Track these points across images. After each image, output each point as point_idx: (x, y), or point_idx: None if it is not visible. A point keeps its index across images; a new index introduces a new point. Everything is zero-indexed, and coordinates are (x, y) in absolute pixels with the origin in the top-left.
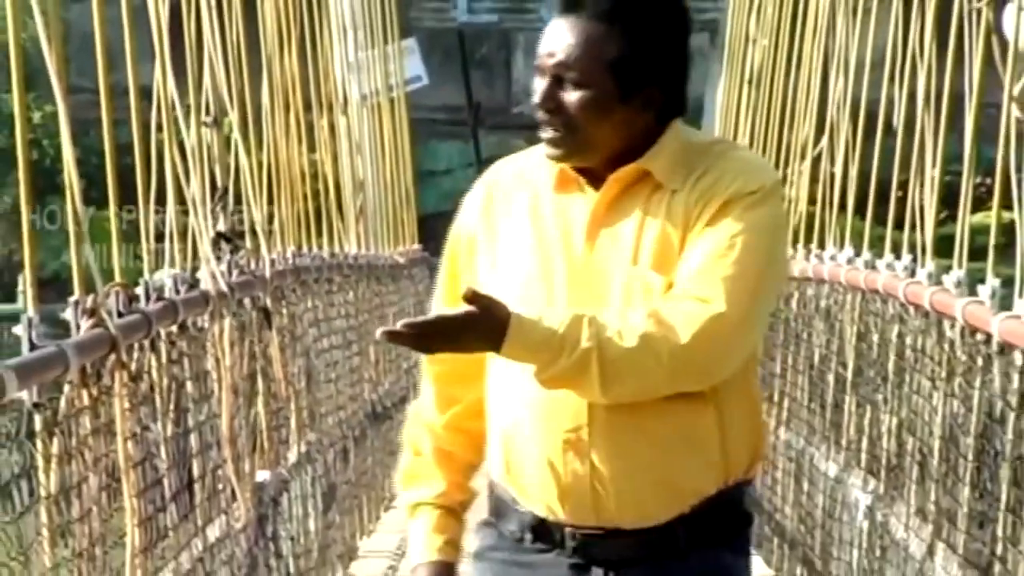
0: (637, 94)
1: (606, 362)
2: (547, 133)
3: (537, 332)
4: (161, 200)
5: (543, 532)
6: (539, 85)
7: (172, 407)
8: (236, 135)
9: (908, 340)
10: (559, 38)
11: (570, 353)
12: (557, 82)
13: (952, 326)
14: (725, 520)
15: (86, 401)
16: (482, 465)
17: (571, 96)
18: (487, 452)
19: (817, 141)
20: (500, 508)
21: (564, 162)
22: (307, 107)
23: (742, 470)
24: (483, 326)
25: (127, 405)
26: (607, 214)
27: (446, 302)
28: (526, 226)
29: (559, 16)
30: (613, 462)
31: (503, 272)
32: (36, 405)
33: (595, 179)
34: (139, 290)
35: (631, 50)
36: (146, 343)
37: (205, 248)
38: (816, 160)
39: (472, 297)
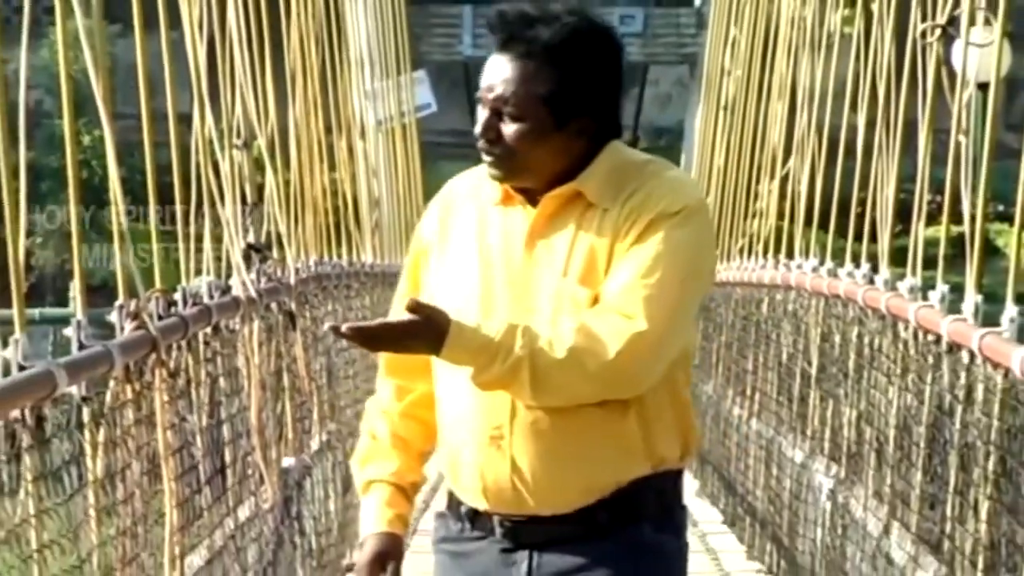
0: (570, 123)
1: (536, 370)
2: (488, 158)
3: (475, 339)
4: (198, 215)
5: (477, 521)
6: (481, 116)
7: (207, 400)
8: (264, 156)
9: (866, 340)
10: (497, 73)
11: (504, 359)
12: (496, 114)
13: (906, 328)
14: (649, 502)
15: (129, 395)
16: (433, 452)
17: (509, 128)
18: (440, 447)
19: (785, 162)
20: (449, 500)
21: (504, 183)
22: (328, 131)
23: (672, 460)
24: (424, 333)
25: (166, 399)
26: (543, 229)
27: (400, 302)
28: (472, 237)
29: (497, 53)
30: (532, 459)
31: (450, 279)
32: (84, 399)
33: (533, 198)
34: (177, 296)
35: (563, 85)
36: (183, 343)
37: (236, 258)
38: (784, 179)
39: (415, 307)
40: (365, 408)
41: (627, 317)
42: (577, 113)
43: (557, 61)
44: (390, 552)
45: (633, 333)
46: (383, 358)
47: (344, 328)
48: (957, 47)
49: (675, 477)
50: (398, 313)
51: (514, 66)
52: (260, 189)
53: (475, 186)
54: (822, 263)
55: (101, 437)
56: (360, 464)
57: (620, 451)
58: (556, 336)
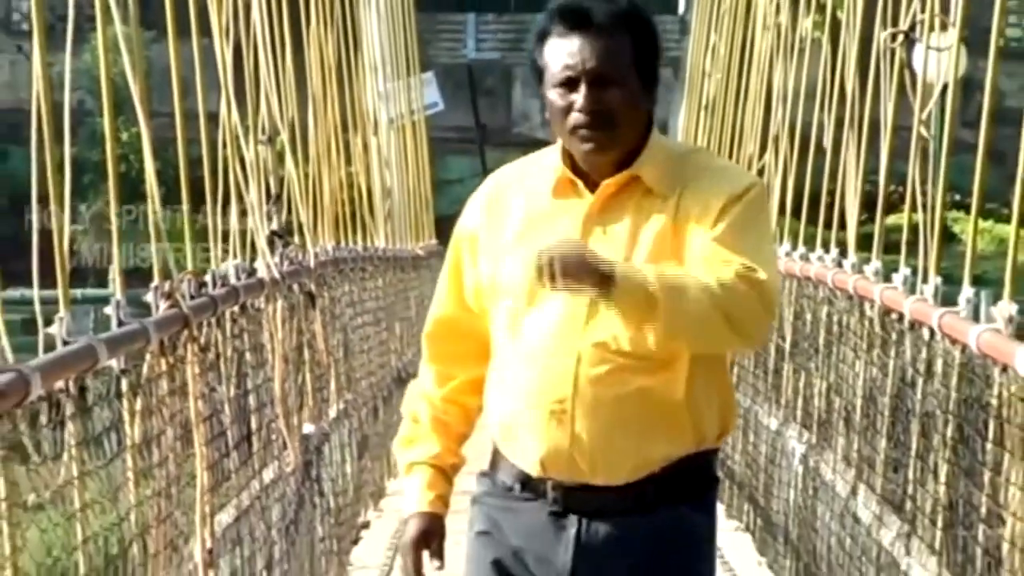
0: (650, 92)
1: (677, 305)
2: (589, 132)
3: (638, 276)
4: (226, 204)
5: (529, 485)
6: (581, 96)
7: (234, 373)
8: (286, 151)
9: (835, 318)
10: (586, 52)
11: (656, 288)
12: (597, 87)
13: (871, 307)
14: (692, 481)
15: (164, 368)
16: (471, 435)
17: (612, 95)
18: (492, 419)
19: (761, 156)
20: (497, 463)
21: (602, 160)
22: (344, 128)
23: (712, 439)
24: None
25: (197, 371)
26: (600, 215)
27: (449, 291)
28: (522, 226)
29: (570, 33)
30: (591, 431)
31: (505, 266)
32: (123, 371)
33: (590, 184)
34: (207, 278)
35: (640, 51)
36: (213, 320)
37: (261, 243)
38: (760, 172)
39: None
40: (407, 392)
41: (751, 269)
42: (652, 83)
43: (635, 32)
44: (433, 531)
45: (759, 281)
46: (428, 346)
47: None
48: (918, 51)
49: (712, 455)
50: (448, 290)
51: (603, 43)
52: (282, 181)
53: (524, 175)
54: (795, 248)
55: (138, 406)
56: (403, 446)
57: (672, 428)
58: (701, 282)
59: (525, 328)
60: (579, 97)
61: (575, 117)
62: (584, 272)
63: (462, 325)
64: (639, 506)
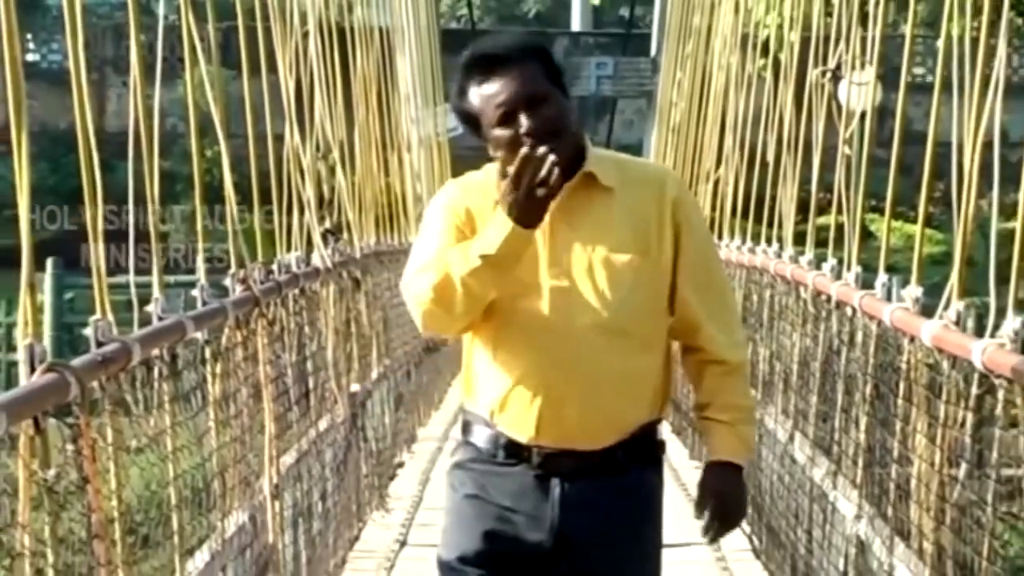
0: (569, 99)
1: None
2: (547, 148)
3: (748, 446)
4: (288, 208)
5: (513, 451)
6: (525, 120)
7: (295, 343)
8: (337, 165)
9: (776, 299)
10: (511, 86)
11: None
12: (532, 108)
13: (805, 290)
14: (650, 445)
15: (239, 339)
16: None
17: (547, 109)
18: (483, 394)
19: (716, 169)
20: (478, 432)
21: (563, 173)
22: (383, 146)
23: (660, 409)
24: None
25: (265, 341)
26: (563, 212)
27: (445, 243)
28: None
29: (489, 77)
30: (578, 404)
31: None
32: (206, 341)
33: None
34: (274, 267)
35: (552, 73)
36: (278, 301)
37: (316, 239)
38: (716, 182)
39: None
40: (426, 289)
41: (730, 332)
42: (566, 93)
43: (539, 57)
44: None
45: (741, 341)
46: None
47: None
48: (843, 85)
49: (659, 423)
50: (445, 243)
51: (520, 72)
52: (333, 189)
53: (483, 185)
54: (744, 243)
55: (218, 370)
56: (460, 257)
57: (641, 401)
58: (738, 388)
59: (516, 314)
60: (521, 124)
61: (525, 141)
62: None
63: None
64: (611, 468)
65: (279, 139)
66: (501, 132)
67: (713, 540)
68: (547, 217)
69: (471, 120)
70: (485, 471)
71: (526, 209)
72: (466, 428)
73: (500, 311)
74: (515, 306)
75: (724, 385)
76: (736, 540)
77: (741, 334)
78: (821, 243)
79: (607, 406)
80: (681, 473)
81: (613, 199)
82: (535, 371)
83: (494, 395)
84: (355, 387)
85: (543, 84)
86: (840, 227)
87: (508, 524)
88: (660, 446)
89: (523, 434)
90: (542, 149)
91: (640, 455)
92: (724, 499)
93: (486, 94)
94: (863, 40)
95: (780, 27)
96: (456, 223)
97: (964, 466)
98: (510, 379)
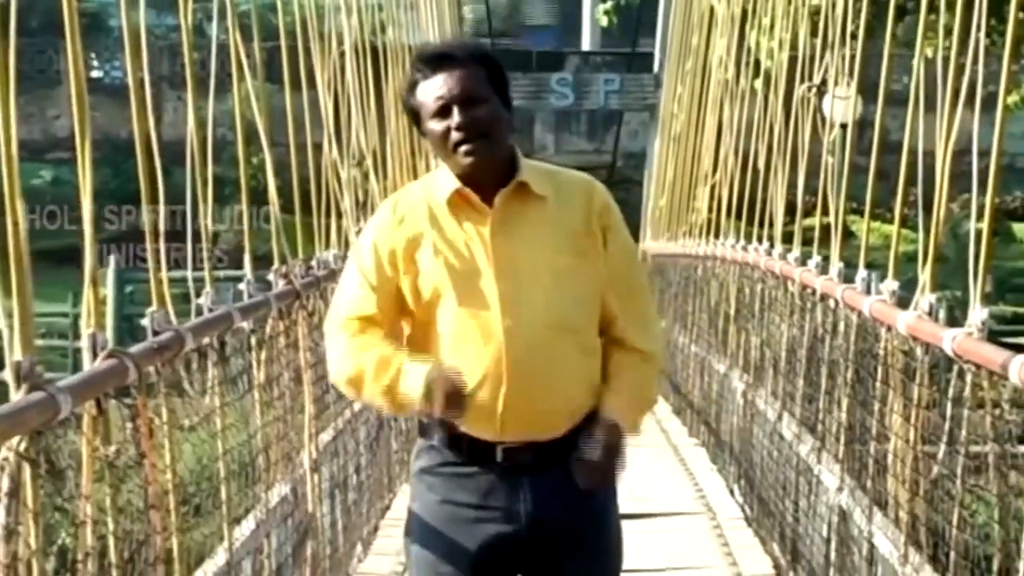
0: (507, 110)
1: (651, 401)
2: (469, 147)
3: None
4: (326, 210)
5: (477, 451)
6: (457, 116)
7: None
8: (371, 171)
9: (766, 292)
10: (451, 82)
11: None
12: (467, 107)
13: (792, 284)
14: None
15: (281, 328)
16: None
17: (481, 111)
18: None
19: (713, 174)
20: (438, 438)
21: (483, 169)
22: (412, 154)
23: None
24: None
25: (305, 330)
26: (502, 223)
27: (364, 289)
28: (437, 248)
29: (435, 73)
30: (534, 397)
31: (433, 276)
32: (252, 330)
33: (486, 197)
34: (313, 263)
35: (494, 79)
36: (317, 293)
37: (352, 237)
38: (712, 187)
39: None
40: (340, 373)
41: (644, 326)
42: (507, 104)
43: (485, 64)
44: (449, 368)
45: (655, 336)
46: (343, 329)
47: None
48: (827, 99)
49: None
50: (363, 288)
51: (463, 72)
52: (367, 193)
53: (419, 197)
54: (737, 241)
55: (263, 356)
56: (376, 377)
57: (588, 389)
58: (641, 373)
59: (459, 320)
60: (454, 118)
61: (454, 136)
62: (618, 457)
63: (376, 317)
64: (567, 453)
65: (318, 148)
66: (435, 125)
67: (585, 485)
68: (487, 228)
69: (415, 114)
70: (452, 473)
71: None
72: (424, 431)
73: (453, 320)
74: (468, 315)
75: (632, 369)
76: (729, 509)
77: (656, 329)
78: (807, 242)
79: (561, 397)
80: (680, 449)
81: (547, 206)
82: (494, 373)
83: None
84: None
85: (483, 87)
86: (824, 227)
87: (481, 523)
88: None
89: (488, 433)
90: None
91: None
92: (610, 449)
93: (428, 88)
94: (845, 59)
95: (771, 48)
96: (380, 262)
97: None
98: (472, 383)
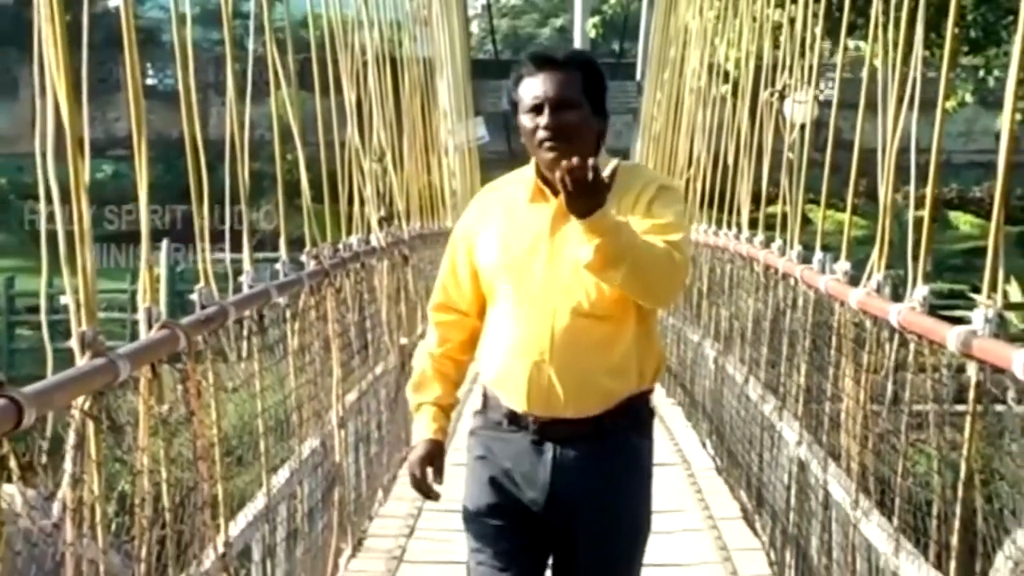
0: (598, 117)
1: (639, 259)
2: (552, 143)
3: (611, 221)
4: (351, 199)
5: (515, 419)
6: (546, 116)
7: (356, 305)
8: (390, 165)
9: (735, 272)
10: (548, 84)
11: (620, 241)
12: (557, 110)
13: (757, 265)
14: (636, 412)
15: (312, 303)
16: (462, 383)
17: (570, 116)
18: (487, 369)
19: (688, 169)
20: (489, 403)
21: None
22: (426, 151)
23: (648, 380)
24: (596, 197)
25: (333, 304)
26: (565, 214)
27: (449, 277)
28: (509, 224)
29: (537, 72)
30: (564, 377)
31: (496, 258)
32: (287, 305)
33: (556, 192)
34: (340, 246)
35: (590, 87)
36: (343, 273)
37: (374, 223)
38: (687, 180)
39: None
40: (417, 350)
41: (676, 250)
42: (598, 111)
43: (583, 73)
44: (436, 453)
45: (682, 258)
46: (432, 315)
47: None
48: (788, 102)
49: (649, 393)
50: (448, 276)
51: (558, 77)
52: (387, 185)
53: (503, 189)
54: (709, 227)
55: (296, 327)
56: (413, 391)
57: (624, 373)
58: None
59: (512, 299)
60: (543, 118)
61: (541, 134)
62: (591, 182)
63: (457, 302)
64: (598, 434)
65: (343, 145)
66: (527, 121)
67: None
68: (549, 218)
69: (513, 105)
70: (492, 436)
71: (575, 206)
72: (483, 398)
73: (504, 296)
74: (519, 294)
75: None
76: (702, 461)
77: (676, 254)
78: (770, 227)
79: (589, 380)
80: (659, 408)
81: (612, 204)
82: (533, 352)
83: (496, 370)
84: (404, 340)
85: (576, 93)
86: (784, 215)
87: (508, 481)
88: (648, 413)
89: (519, 405)
90: (576, 160)
91: (626, 421)
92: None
93: (530, 85)
94: (803, 68)
95: (738, 59)
96: (458, 259)
97: (883, 403)
98: (507, 356)
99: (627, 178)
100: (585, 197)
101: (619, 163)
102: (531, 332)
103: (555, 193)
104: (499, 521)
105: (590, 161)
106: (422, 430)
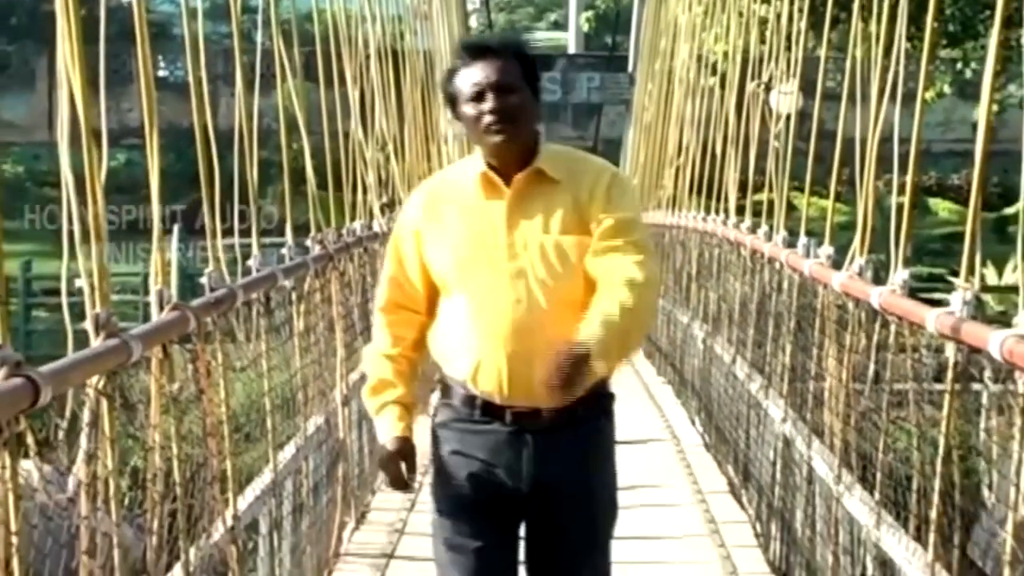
0: (536, 101)
1: (628, 342)
2: (499, 126)
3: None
4: (354, 187)
5: (489, 410)
6: (490, 101)
7: (359, 288)
8: (392, 154)
9: (723, 256)
10: (487, 71)
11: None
12: (500, 94)
13: (744, 249)
14: (602, 398)
15: (317, 286)
16: (419, 381)
17: (513, 99)
18: (449, 361)
19: (677, 158)
20: (455, 394)
21: (508, 151)
22: (426, 140)
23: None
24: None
25: (337, 287)
26: (518, 204)
27: (396, 275)
28: (461, 219)
29: (473, 62)
30: (537, 368)
31: (454, 255)
32: (292, 288)
33: (507, 180)
34: (344, 231)
35: (528, 72)
36: (347, 257)
37: (375, 210)
38: (677, 168)
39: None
40: (364, 355)
41: (640, 258)
42: (536, 95)
43: (519, 57)
44: (407, 451)
45: (647, 273)
46: (382, 317)
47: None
48: (774, 94)
49: (607, 380)
50: (395, 274)
51: (498, 62)
52: (388, 172)
53: (449, 182)
54: (699, 213)
55: (301, 309)
56: (371, 395)
57: None
58: (619, 314)
59: (475, 294)
60: (487, 103)
61: (486, 119)
62: (579, 372)
63: (409, 300)
64: (571, 422)
65: (347, 135)
66: (469, 109)
67: (547, 401)
68: (504, 209)
69: (452, 98)
70: (463, 428)
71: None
72: (445, 391)
73: (464, 291)
74: (481, 286)
75: (604, 297)
76: (691, 437)
77: (642, 270)
78: (756, 214)
79: None
80: (650, 387)
81: (558, 189)
82: (503, 342)
83: (469, 363)
84: None
85: (516, 78)
86: (770, 202)
87: (488, 475)
88: (610, 399)
89: (497, 396)
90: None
91: (596, 408)
92: (560, 366)
93: (468, 75)
94: (788, 61)
95: (726, 52)
96: (406, 257)
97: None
98: (483, 349)
99: (570, 165)
100: (573, 388)
101: (557, 155)
102: (500, 322)
103: (507, 183)
104: (480, 515)
105: (568, 352)
106: (390, 428)
